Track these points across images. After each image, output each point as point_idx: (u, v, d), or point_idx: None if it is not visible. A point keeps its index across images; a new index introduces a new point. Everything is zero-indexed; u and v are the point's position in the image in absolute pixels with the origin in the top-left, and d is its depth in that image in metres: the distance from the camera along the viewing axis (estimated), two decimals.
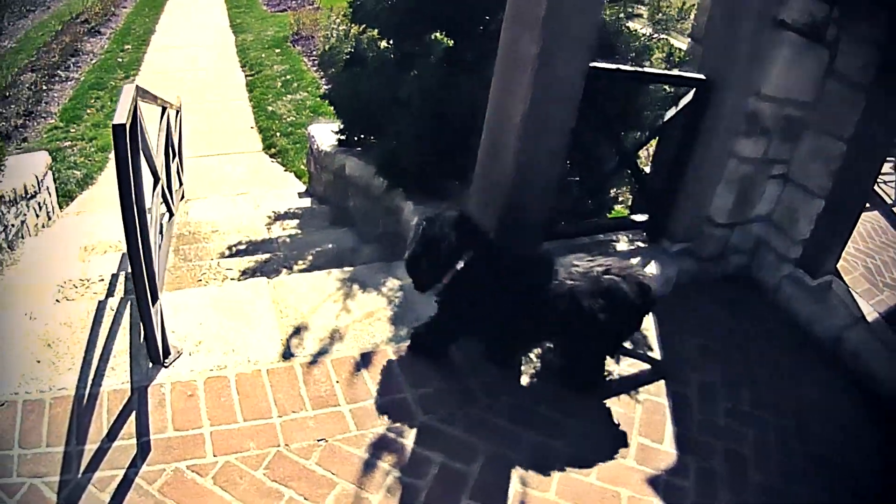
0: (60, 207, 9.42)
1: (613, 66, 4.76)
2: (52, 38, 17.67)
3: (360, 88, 6.87)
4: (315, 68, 14.74)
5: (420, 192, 6.05)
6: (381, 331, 4.44)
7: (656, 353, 4.71)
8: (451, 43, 6.29)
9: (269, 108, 12.65)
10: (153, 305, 3.78)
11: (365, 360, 4.21)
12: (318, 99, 12.87)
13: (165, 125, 6.04)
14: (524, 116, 4.10)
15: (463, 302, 3.96)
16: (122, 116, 3.20)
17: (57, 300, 5.27)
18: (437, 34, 6.44)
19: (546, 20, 3.80)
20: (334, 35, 7.52)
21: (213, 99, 13.44)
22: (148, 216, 4.06)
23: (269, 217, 7.63)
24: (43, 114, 12.80)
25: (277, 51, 16.17)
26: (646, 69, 5.26)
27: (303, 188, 9.84)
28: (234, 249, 6.48)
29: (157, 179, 4.92)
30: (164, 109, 6.09)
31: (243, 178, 10.35)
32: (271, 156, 11.04)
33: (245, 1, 21.61)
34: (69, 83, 14.50)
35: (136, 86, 3.68)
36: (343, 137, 7.95)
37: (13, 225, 7.21)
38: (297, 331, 4.37)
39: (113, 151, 3.25)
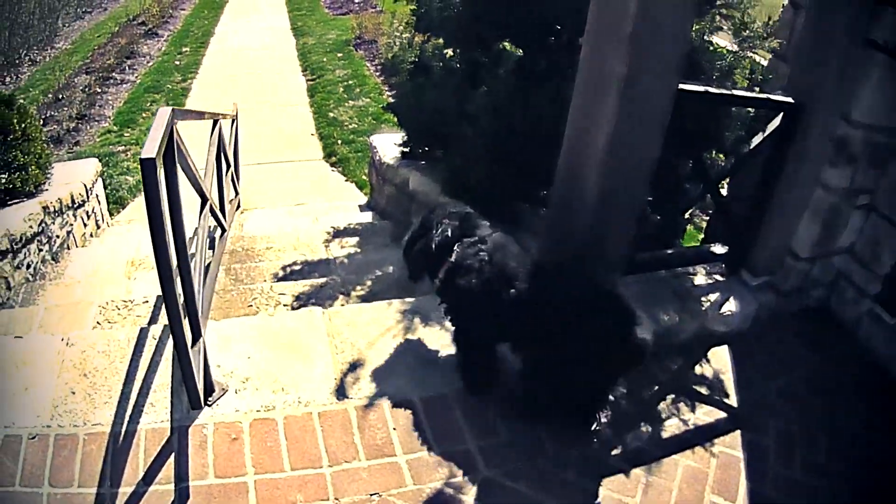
0: (111, 215, 9.42)
1: (702, 89, 4.45)
2: (108, 40, 17.94)
3: (425, 100, 6.68)
4: (378, 73, 14.65)
5: (489, 214, 5.82)
6: (443, 372, 4.20)
7: (733, 398, 4.40)
8: (520, 52, 6.06)
9: (331, 115, 12.58)
10: (193, 346, 3.61)
11: (425, 404, 3.97)
12: (381, 107, 12.77)
13: (217, 139, 5.88)
14: (608, 141, 3.82)
15: (453, 296, 3.85)
16: (151, 149, 2.96)
17: (98, 322, 5.16)
18: (506, 44, 6.21)
19: (634, 37, 3.53)
20: (397, 43, 7.29)
21: (273, 104, 13.43)
22: (195, 239, 3.90)
23: (328, 233, 7.46)
24: (96, 117, 12.90)
25: (339, 55, 16.14)
26: (735, 92, 4.93)
27: (364, 200, 9.70)
28: (288, 270, 6.31)
29: (204, 200, 4.75)
30: (215, 122, 5.94)
31: (302, 187, 10.25)
32: (332, 164, 10.95)
33: (306, 4, 21.68)
34: (124, 86, 14.63)
35: (173, 109, 3.48)
36: (406, 149, 7.79)
37: (58, 236, 7.16)
38: (353, 368, 4.15)
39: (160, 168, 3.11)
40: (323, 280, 5.82)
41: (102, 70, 15.26)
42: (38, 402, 3.77)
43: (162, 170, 3.11)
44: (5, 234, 5.99)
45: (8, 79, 16.43)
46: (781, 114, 4.74)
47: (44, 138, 7.59)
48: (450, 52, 6.89)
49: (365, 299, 5.40)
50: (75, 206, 7.73)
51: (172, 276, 3.19)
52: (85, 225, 8.12)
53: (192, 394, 3.66)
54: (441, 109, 6.46)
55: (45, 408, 3.73)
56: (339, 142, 11.45)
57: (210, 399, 3.80)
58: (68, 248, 7.45)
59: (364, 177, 10.24)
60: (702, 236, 6.35)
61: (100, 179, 8.85)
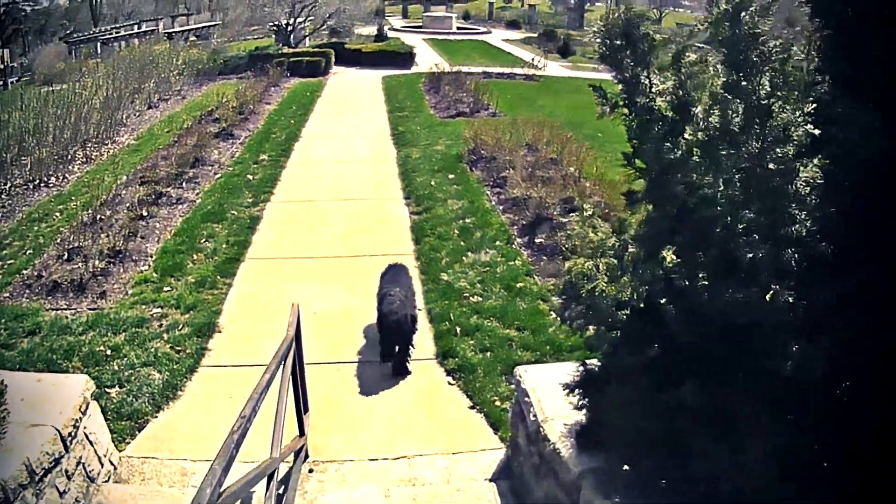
0: (119, 445, 6.08)
1: None
2: (176, 139, 15.13)
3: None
4: (502, 208, 11.31)
5: None
6: None
7: None
8: None
9: (444, 277, 9.05)
10: None
11: None
12: (513, 262, 9.31)
13: None
14: None
15: None
16: None
17: None
18: None
19: None
20: (588, 266, 3.68)
21: (365, 252, 9.99)
22: None
23: None
24: (134, 255, 9.79)
25: (451, 176, 12.91)
26: None
27: (498, 450, 6.16)
28: None
29: None
30: None
31: (403, 416, 6.68)
32: (449, 371, 7.31)
33: (410, 103, 18.87)
34: (180, 207, 11.58)
35: None
36: (591, 425, 4.35)
37: None
38: None
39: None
40: None
41: (157, 182, 12.22)
42: None
43: None
44: None
45: (54, 180, 13.78)
46: None
47: None
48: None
49: None
50: (37, 478, 4.54)
51: None
52: (62, 494, 4.81)
53: None
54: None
55: None
56: (458, 329, 7.88)
57: None
58: None
59: (497, 402, 6.71)
60: None
61: (92, 405, 5.51)
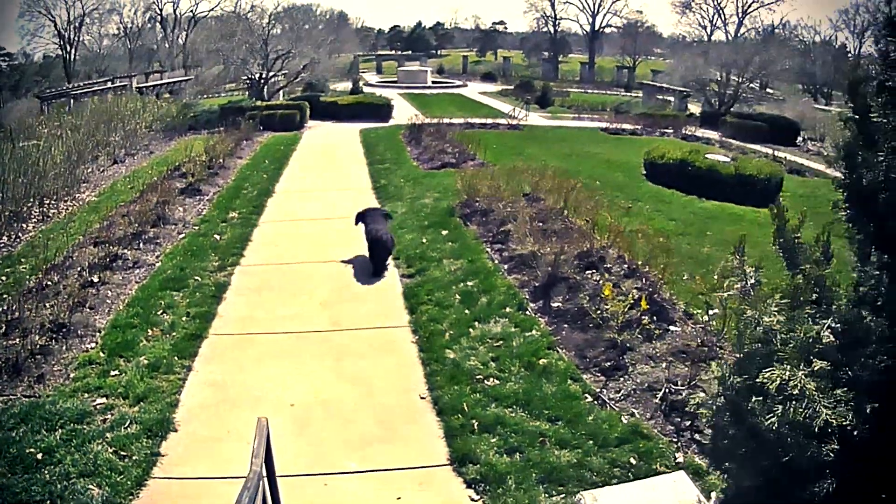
0: None
1: None
2: (139, 195, 13.48)
3: None
4: (507, 266, 9.66)
5: None
6: None
7: None
8: None
9: (449, 355, 7.34)
10: None
11: None
12: (530, 333, 7.67)
13: None
14: None
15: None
16: None
17: None
18: None
19: None
20: (800, 379, 2.30)
21: (351, 324, 8.27)
22: None
23: None
24: (80, 329, 8.08)
25: (444, 232, 11.31)
26: None
27: None
28: None
29: None
30: None
31: None
32: (469, 483, 5.54)
33: (391, 154, 17.52)
34: (136, 272, 9.89)
35: None
36: None
37: None
38: None
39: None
40: None
41: (112, 243, 10.50)
42: None
43: None
44: None
45: (5, 239, 12.22)
46: None
47: None
48: None
49: None
50: None
51: None
52: None
53: None
54: None
55: None
56: (475, 424, 6.17)
57: None
58: None
59: None
60: None
61: None
